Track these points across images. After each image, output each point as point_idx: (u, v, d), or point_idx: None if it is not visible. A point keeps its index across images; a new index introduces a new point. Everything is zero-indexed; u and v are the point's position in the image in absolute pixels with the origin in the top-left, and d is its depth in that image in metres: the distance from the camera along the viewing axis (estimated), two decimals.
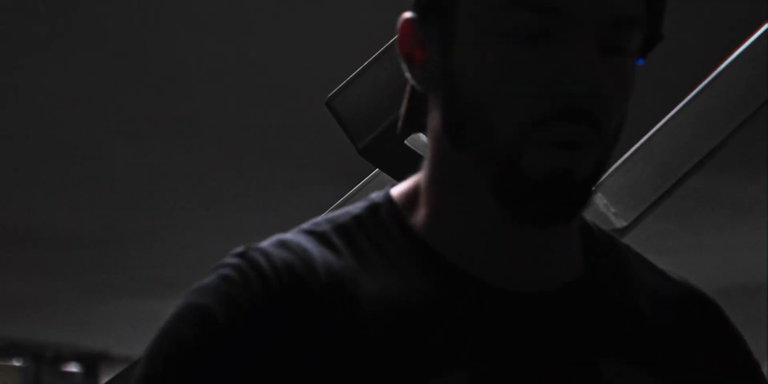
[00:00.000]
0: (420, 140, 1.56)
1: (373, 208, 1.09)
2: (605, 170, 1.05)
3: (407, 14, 1.07)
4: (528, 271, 1.07)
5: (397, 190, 1.11)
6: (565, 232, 1.09)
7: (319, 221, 1.08)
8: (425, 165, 1.09)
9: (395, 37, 1.10)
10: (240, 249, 1.06)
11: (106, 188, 5.79)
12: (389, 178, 1.57)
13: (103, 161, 5.36)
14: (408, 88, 1.12)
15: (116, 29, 4.03)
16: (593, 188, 1.03)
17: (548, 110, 1.00)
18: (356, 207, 1.10)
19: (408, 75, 1.08)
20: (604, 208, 2.00)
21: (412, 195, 1.09)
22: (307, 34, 4.06)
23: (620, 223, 2.00)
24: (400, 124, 1.14)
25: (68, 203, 6.04)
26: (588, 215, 2.04)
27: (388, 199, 1.09)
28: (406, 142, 1.48)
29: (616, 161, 2.07)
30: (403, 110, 1.12)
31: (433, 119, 1.07)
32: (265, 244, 1.06)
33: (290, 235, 1.06)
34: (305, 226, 1.08)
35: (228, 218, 6.29)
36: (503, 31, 1.01)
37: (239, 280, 1.02)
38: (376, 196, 1.10)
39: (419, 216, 1.08)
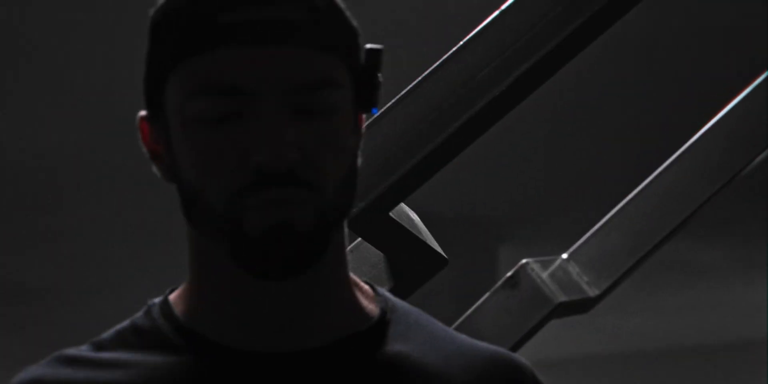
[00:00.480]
0: (404, 212, 1.58)
1: (147, 309, 1.17)
2: (335, 221, 1.11)
3: (141, 112, 1.17)
4: (282, 332, 1.12)
5: (176, 289, 1.19)
6: (331, 288, 1.14)
7: (105, 333, 1.18)
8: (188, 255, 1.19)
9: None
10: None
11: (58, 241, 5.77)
12: (372, 248, 1.58)
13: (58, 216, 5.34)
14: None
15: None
16: (324, 236, 1.09)
17: (247, 181, 1.07)
18: (137, 313, 1.19)
19: (155, 170, 1.16)
20: (577, 276, 2.02)
21: (182, 289, 1.18)
22: None
23: (593, 292, 2.02)
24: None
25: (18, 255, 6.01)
26: (561, 284, 2.06)
27: (164, 297, 1.18)
28: (390, 214, 1.50)
29: (589, 230, 2.10)
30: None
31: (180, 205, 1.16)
32: (37, 365, 1.18)
33: (66, 353, 1.17)
34: (95, 339, 1.18)
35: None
36: (197, 118, 1.08)
37: None
38: (153, 300, 1.19)
39: (183, 305, 1.16)
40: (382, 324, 1.16)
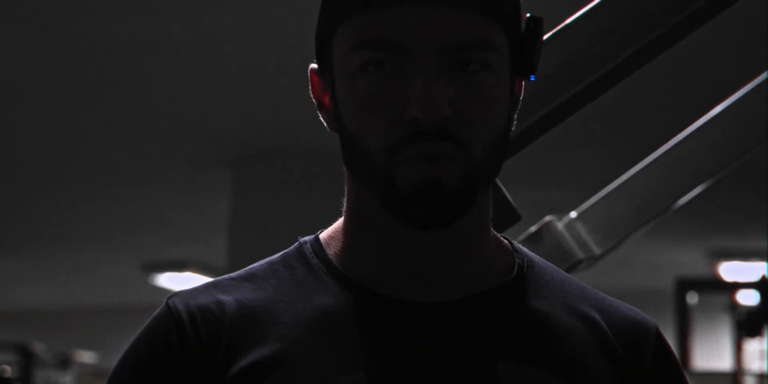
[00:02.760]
0: None
1: (299, 246, 1.24)
2: (483, 179, 1.17)
3: (312, 64, 1.24)
4: (429, 282, 1.19)
5: (327, 229, 1.27)
6: (475, 241, 1.20)
7: (260, 262, 1.26)
8: (344, 199, 1.24)
9: None
10: (171, 295, 1.23)
11: None
12: None
13: None
14: None
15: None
16: (470, 193, 1.15)
17: (404, 132, 1.13)
18: (289, 248, 1.26)
19: (321, 118, 1.23)
20: (585, 235, 2.17)
21: (335, 230, 1.25)
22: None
23: (597, 250, 2.17)
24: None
25: None
26: (570, 241, 2.20)
27: (315, 237, 1.25)
28: None
29: (596, 193, 2.25)
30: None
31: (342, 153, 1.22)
32: (194, 288, 1.24)
33: (225, 277, 1.24)
34: (247, 267, 1.25)
35: None
36: (359, 68, 1.15)
37: (161, 330, 1.21)
38: (305, 237, 1.26)
39: (339, 246, 1.23)
40: (520, 279, 1.21)
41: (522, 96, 1.23)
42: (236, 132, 5.33)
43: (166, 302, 1.22)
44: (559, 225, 2.01)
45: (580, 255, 1.99)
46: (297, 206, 5.32)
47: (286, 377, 1.15)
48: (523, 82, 1.23)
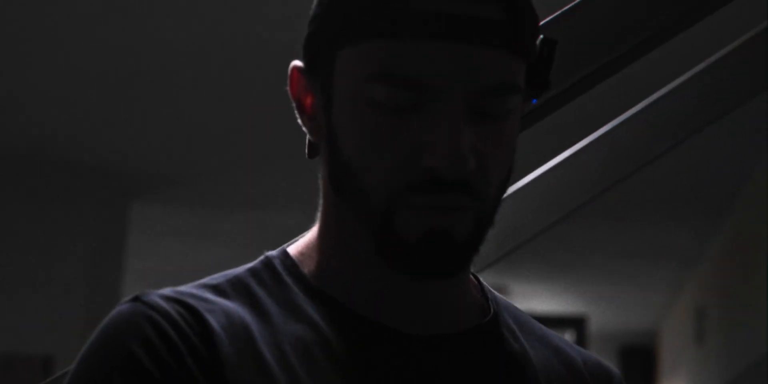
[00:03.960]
0: None
1: (267, 262, 1.10)
2: (489, 226, 1.06)
3: (296, 62, 1.10)
4: (420, 316, 1.08)
5: (293, 245, 1.13)
6: (459, 282, 1.11)
7: (213, 277, 1.09)
8: (319, 212, 1.12)
9: None
10: (133, 295, 1.05)
11: None
12: None
13: None
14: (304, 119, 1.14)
15: None
16: (479, 243, 1.05)
17: (417, 180, 1.01)
18: (251, 263, 1.12)
19: (299, 120, 1.10)
20: None
21: (305, 246, 1.12)
22: None
23: None
24: (306, 150, 1.15)
25: None
26: None
27: (283, 252, 1.11)
28: None
29: None
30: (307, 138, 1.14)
31: (323, 166, 1.10)
32: (160, 291, 1.06)
33: (184, 287, 1.07)
34: (198, 281, 1.09)
35: None
36: (372, 102, 1.02)
37: (149, 323, 1.02)
38: (270, 252, 1.12)
39: (313, 263, 1.10)
40: (495, 318, 1.13)
41: None
42: None
43: (135, 298, 1.04)
44: None
45: None
46: None
47: None
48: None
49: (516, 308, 1.18)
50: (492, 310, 1.13)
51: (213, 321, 1.02)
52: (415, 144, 1.02)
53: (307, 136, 1.12)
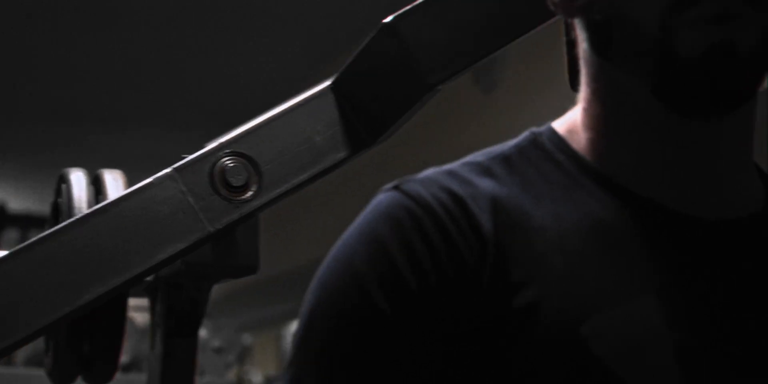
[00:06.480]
0: None
1: (534, 139, 1.02)
2: None
3: None
4: (704, 195, 0.99)
5: (557, 121, 1.04)
6: (741, 152, 1.00)
7: (477, 154, 1.01)
8: (581, 93, 1.02)
9: None
10: (395, 183, 0.97)
11: None
12: None
13: None
14: (565, 48, 1.06)
15: None
16: (764, 64, 0.93)
17: None
18: (516, 139, 1.03)
19: (551, 6, 1.02)
20: None
21: (572, 123, 1.03)
22: None
23: None
24: (569, 79, 1.07)
25: None
26: None
27: (549, 128, 1.03)
28: None
29: None
30: (566, 67, 1.06)
31: (581, 43, 1.01)
32: (422, 175, 0.98)
33: (448, 167, 0.99)
34: (463, 160, 1.00)
35: None
36: None
37: (409, 221, 0.93)
38: (535, 129, 1.04)
39: (583, 141, 1.01)
40: None
41: None
42: None
43: (396, 189, 0.95)
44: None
45: None
46: None
47: (563, 294, 0.91)
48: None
49: None
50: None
51: (478, 210, 0.93)
52: None
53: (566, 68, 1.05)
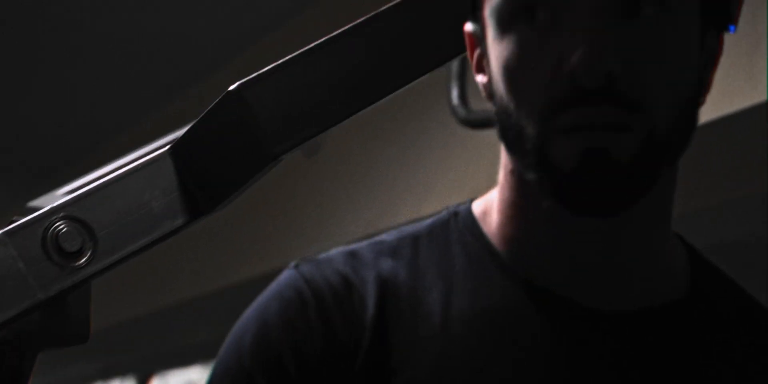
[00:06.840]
0: None
1: (448, 219, 1.06)
2: (666, 148, 0.93)
3: (468, 26, 1.02)
4: (605, 286, 1.00)
5: (479, 199, 1.07)
6: (648, 239, 1.00)
7: (392, 231, 1.06)
8: (500, 172, 1.05)
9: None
10: (298, 261, 1.04)
11: None
12: None
13: None
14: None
15: None
16: (650, 167, 0.93)
17: (559, 95, 0.92)
18: (435, 216, 1.07)
19: (480, 88, 1.05)
20: None
21: (489, 204, 1.05)
22: None
23: None
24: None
25: None
26: None
27: (467, 208, 1.06)
28: None
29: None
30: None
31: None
32: (324, 255, 1.04)
33: (354, 247, 1.04)
34: (375, 238, 1.05)
35: None
36: (507, 22, 0.95)
37: (297, 303, 1.00)
38: (455, 206, 1.07)
39: (493, 224, 1.04)
40: (699, 293, 1.02)
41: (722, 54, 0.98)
42: None
43: (296, 268, 1.04)
44: None
45: None
46: None
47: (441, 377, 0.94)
48: (722, 36, 0.99)
49: (726, 276, 1.07)
50: (691, 282, 1.03)
51: (365, 296, 0.99)
52: (555, 56, 0.92)
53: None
